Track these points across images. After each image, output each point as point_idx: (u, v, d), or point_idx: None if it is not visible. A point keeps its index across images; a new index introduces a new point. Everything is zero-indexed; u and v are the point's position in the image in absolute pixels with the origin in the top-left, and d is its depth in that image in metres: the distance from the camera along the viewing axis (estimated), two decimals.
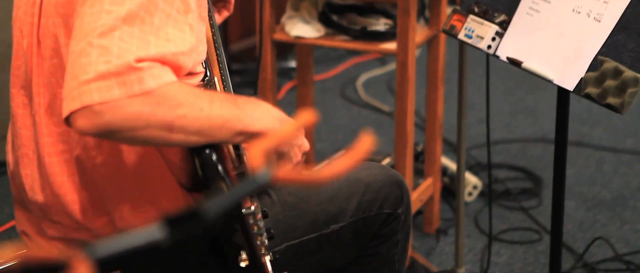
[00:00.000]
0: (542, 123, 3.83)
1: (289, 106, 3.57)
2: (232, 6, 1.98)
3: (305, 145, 1.61)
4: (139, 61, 1.36)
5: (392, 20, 2.83)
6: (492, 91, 2.56)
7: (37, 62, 1.57)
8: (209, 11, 1.72)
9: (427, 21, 2.86)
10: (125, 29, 1.37)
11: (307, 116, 1.02)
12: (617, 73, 1.91)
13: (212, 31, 1.75)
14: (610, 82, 1.91)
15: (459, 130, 2.69)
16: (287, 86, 4.16)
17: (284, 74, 4.22)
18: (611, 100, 1.91)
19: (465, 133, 2.71)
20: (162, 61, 1.39)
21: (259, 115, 1.49)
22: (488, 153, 2.61)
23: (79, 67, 1.35)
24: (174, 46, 1.40)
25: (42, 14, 1.55)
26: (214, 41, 1.74)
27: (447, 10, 2.81)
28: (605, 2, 1.98)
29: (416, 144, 3.08)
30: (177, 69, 1.41)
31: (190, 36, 1.44)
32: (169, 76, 1.38)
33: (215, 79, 1.67)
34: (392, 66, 4.32)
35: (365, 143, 0.93)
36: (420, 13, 2.85)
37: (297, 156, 1.61)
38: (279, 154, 1.57)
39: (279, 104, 3.08)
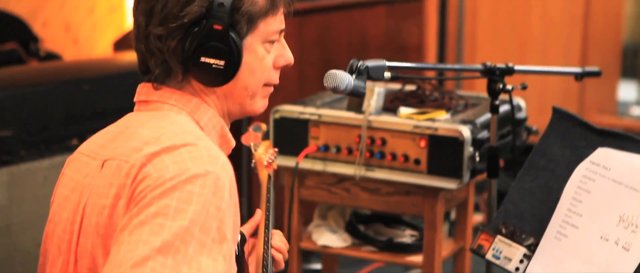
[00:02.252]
0: None
1: None
2: None
3: None
4: None
5: (418, 231, 2.86)
6: None
7: None
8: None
9: (453, 225, 2.88)
10: (159, 259, 1.40)
11: None
12: None
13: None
14: None
15: None
16: None
17: None
18: None
19: None
20: None
21: None
22: None
23: None
24: None
25: (82, 233, 1.58)
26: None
27: (474, 217, 2.83)
28: (633, 231, 2.00)
29: None
30: None
31: (222, 266, 1.46)
32: None
33: None
34: (415, 272, 4.30)
35: None
36: (446, 218, 2.88)
37: None
38: None
39: None
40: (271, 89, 1.75)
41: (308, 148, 2.69)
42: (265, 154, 2.02)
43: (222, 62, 1.63)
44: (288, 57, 1.74)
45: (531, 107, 2.85)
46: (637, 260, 1.96)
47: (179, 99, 1.67)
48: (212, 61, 1.62)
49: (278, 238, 1.95)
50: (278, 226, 2.93)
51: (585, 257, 2.04)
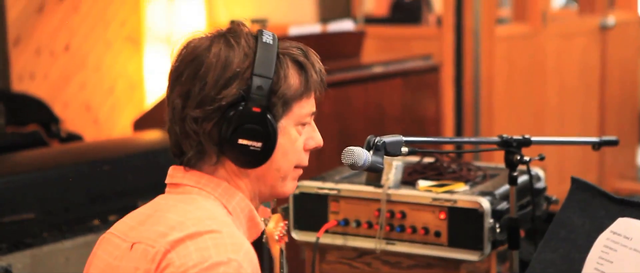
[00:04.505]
0: None
1: None
2: None
3: None
4: None
5: None
6: None
7: None
8: None
9: None
10: None
11: None
12: None
13: None
14: None
15: None
16: None
17: None
18: None
19: None
20: None
21: None
22: None
23: None
24: None
25: None
26: None
27: None
28: None
29: None
30: None
31: None
32: None
33: None
34: None
35: None
36: None
37: None
38: None
39: None
40: (301, 171, 1.77)
41: (328, 223, 2.69)
42: (275, 229, 2.02)
43: (259, 144, 1.65)
44: (318, 139, 1.77)
45: (551, 176, 2.85)
46: None
47: (207, 183, 1.68)
48: (249, 142, 1.64)
49: None
50: None
51: None
